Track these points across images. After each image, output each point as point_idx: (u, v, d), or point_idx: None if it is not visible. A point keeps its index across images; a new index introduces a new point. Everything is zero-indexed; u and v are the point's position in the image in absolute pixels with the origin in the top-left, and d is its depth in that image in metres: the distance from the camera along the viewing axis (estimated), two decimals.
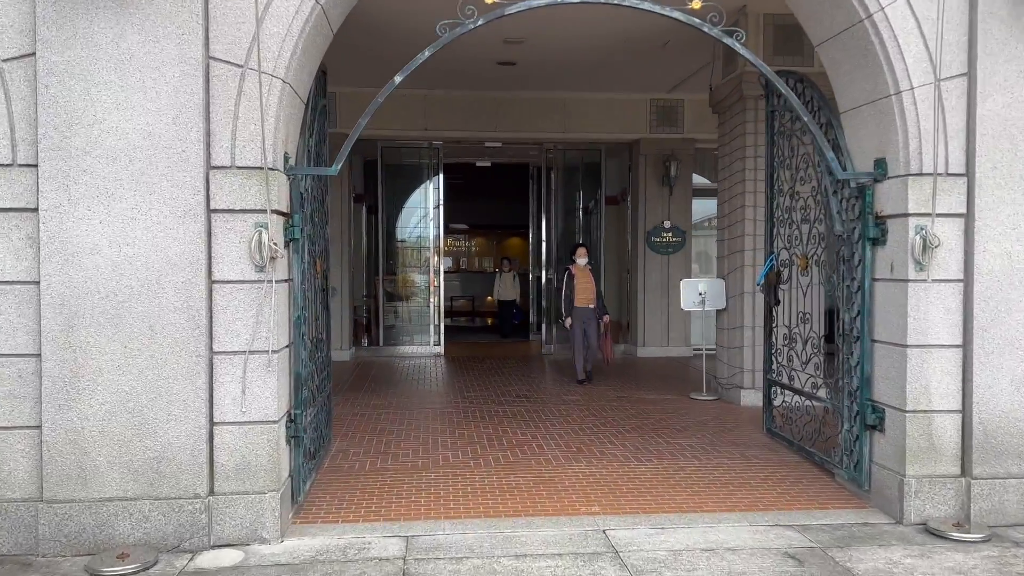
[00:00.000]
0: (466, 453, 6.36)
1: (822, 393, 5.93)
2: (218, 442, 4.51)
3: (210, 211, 4.49)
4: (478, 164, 14.77)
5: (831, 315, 6.51)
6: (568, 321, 9.85)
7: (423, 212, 13.16)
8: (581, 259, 9.96)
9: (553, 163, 12.94)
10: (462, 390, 9.35)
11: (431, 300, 12.80)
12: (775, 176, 6.75)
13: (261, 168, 4.49)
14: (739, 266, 8.41)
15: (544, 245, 13.25)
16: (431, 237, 12.92)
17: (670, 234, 12.32)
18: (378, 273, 13.25)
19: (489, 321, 20.68)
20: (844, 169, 5.25)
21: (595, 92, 12.01)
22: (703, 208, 13.10)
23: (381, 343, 12.77)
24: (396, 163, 13.14)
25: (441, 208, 12.89)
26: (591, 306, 9.83)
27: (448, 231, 24.39)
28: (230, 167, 4.50)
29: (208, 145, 4.48)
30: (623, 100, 12.17)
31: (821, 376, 6.10)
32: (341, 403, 8.42)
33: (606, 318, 10.03)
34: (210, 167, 4.49)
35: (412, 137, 12.27)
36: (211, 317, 4.50)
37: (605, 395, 8.98)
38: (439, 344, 12.71)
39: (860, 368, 5.22)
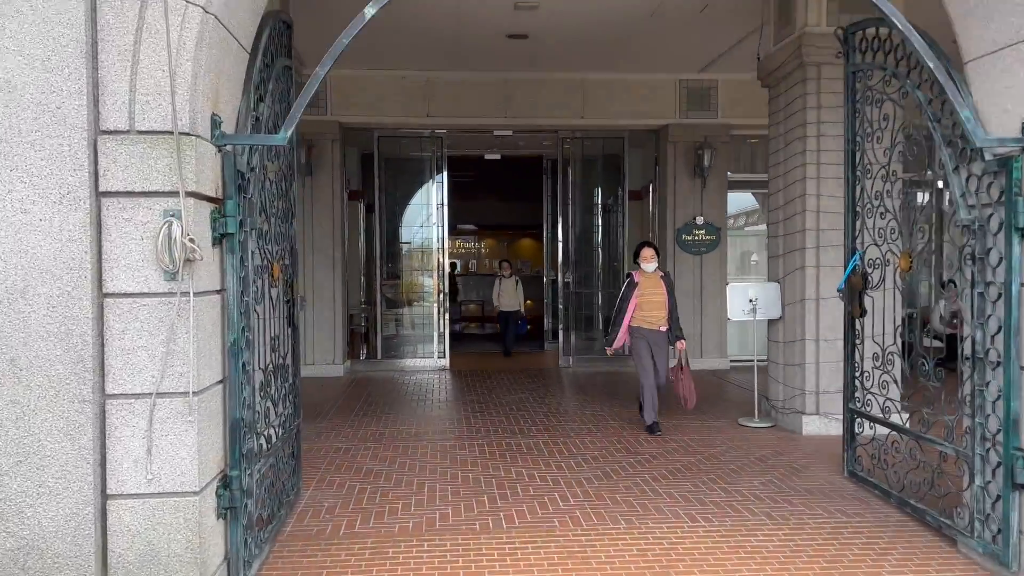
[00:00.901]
0: (471, 509, 5.00)
1: (933, 431, 4.54)
2: (113, 523, 3.18)
3: (99, 194, 3.16)
4: (487, 157, 13.42)
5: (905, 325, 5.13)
6: (617, 346, 7.32)
7: (426, 210, 11.81)
8: (649, 263, 7.27)
9: (570, 154, 11.56)
10: (469, 415, 8.00)
11: (435, 307, 11.45)
12: (858, 154, 5.36)
13: (172, 133, 3.15)
14: (798, 267, 7.03)
15: (560, 245, 11.85)
16: (435, 238, 11.57)
17: (703, 232, 10.94)
18: (377, 278, 11.91)
19: (498, 325, 19.40)
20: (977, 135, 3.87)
21: (617, 72, 10.65)
22: (739, 203, 11.71)
23: (380, 355, 11.43)
24: (395, 156, 11.81)
25: (445, 206, 11.55)
26: (661, 328, 7.20)
27: (455, 232, 23.27)
28: (128, 132, 3.17)
29: (95, 100, 3.15)
30: (649, 81, 10.80)
31: (931, 409, 4.70)
32: (324, 433, 7.09)
33: (681, 344, 7.28)
34: (99, 131, 3.16)
35: (412, 125, 10.94)
36: (102, 346, 3.16)
37: (636, 420, 7.61)
38: (444, 356, 11.36)
39: (1005, 405, 3.84)
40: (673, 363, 7.32)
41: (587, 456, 6.28)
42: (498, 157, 13.47)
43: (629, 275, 7.43)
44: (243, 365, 3.71)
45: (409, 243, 12.45)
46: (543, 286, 21.11)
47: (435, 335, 11.39)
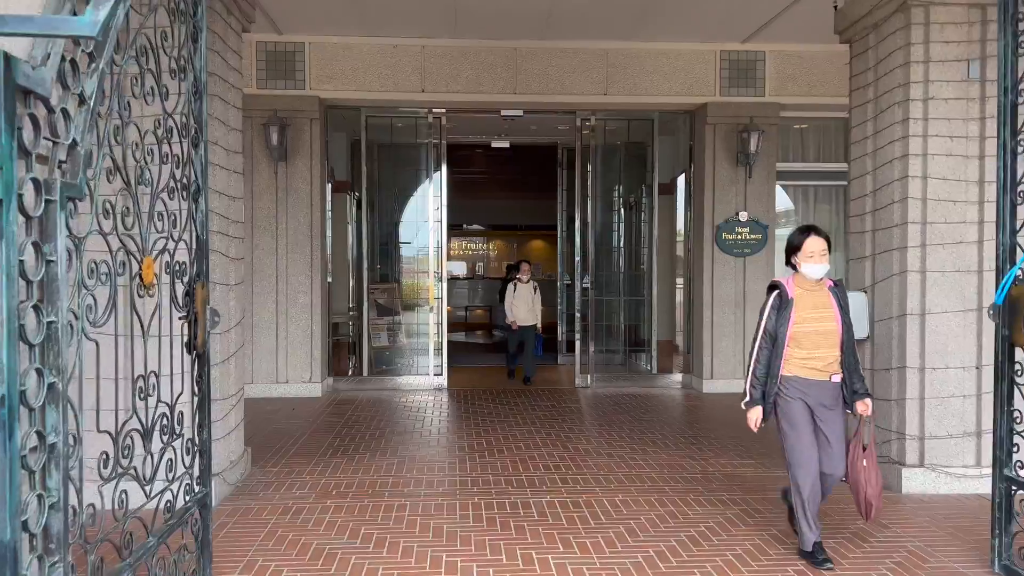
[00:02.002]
0: None
1: None
2: None
3: None
4: (494, 145, 11.80)
5: None
6: (754, 412, 4.27)
7: (422, 205, 10.19)
8: (814, 265, 4.21)
9: (590, 139, 9.90)
10: (465, 456, 6.37)
11: (431, 316, 9.82)
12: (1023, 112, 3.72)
13: None
14: (895, 273, 5.38)
15: (578, 245, 10.18)
16: (432, 236, 9.94)
17: (747, 230, 9.28)
18: (365, 281, 10.31)
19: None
20: None
21: (647, 41, 9.04)
22: (789, 196, 10.04)
23: (366, 371, 9.81)
24: (387, 141, 10.22)
25: (444, 199, 9.92)
26: (834, 377, 4.10)
27: (459, 232, 21.68)
28: None
29: None
30: (684, 52, 9.18)
31: None
32: (274, 482, 5.47)
33: (864, 406, 4.13)
34: None
35: (405, 103, 9.33)
36: None
37: (680, 466, 5.97)
38: (440, 373, 9.73)
39: None
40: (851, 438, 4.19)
41: (626, 516, 4.65)
42: (507, 145, 11.86)
43: (776, 286, 4.37)
44: (39, 435, 2.09)
45: (405, 243, 10.85)
46: (556, 291, 19.49)
47: (431, 348, 9.76)
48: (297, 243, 9.01)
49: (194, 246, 3.40)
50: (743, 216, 9.27)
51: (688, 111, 9.69)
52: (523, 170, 18.51)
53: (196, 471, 3.37)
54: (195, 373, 3.38)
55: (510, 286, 10.27)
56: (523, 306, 10.13)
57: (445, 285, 9.90)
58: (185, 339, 3.28)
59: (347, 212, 10.59)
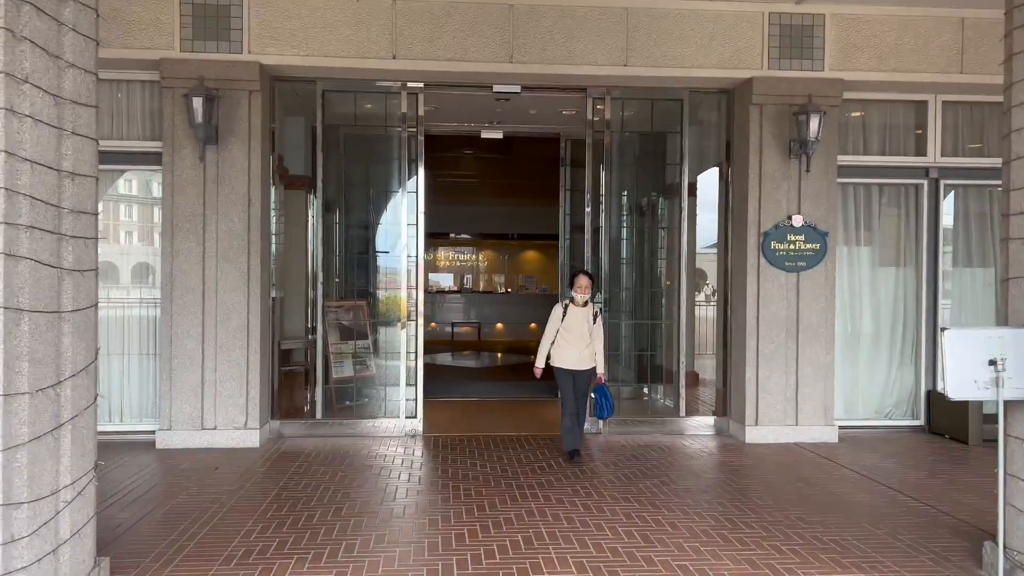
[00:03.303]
0: None
1: None
2: None
3: None
4: (484, 135, 9.84)
5: None
6: None
7: (394, 205, 8.20)
8: None
9: (604, 125, 7.95)
10: (437, 569, 4.38)
11: (403, 339, 7.81)
12: None
13: None
14: None
15: (587, 255, 8.19)
16: (405, 243, 7.95)
17: (801, 238, 7.37)
18: (320, 299, 8.31)
19: (499, 355, 15.81)
20: None
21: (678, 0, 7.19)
22: (852, 199, 8.11)
23: (319, 413, 7.78)
24: (348, 124, 8.25)
25: (420, 196, 7.96)
26: None
27: (447, 241, 19.73)
28: None
29: None
30: (725, 12, 7.30)
31: None
32: None
33: None
34: None
35: (373, 74, 7.38)
36: None
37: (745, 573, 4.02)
38: (414, 414, 7.72)
39: None
40: None
41: None
42: (499, 136, 9.90)
43: None
44: None
45: (383, 251, 8.86)
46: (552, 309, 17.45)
47: (402, 380, 7.75)
48: (230, 250, 7.02)
49: None
50: (797, 221, 7.35)
51: (726, 90, 7.78)
52: (518, 172, 16.69)
53: None
54: None
55: (557, 309, 6.83)
56: (575, 339, 6.64)
57: (421, 303, 7.91)
58: None
59: (303, 214, 8.61)
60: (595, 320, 6.70)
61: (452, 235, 19.14)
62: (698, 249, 8.77)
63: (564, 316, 6.70)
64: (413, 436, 7.58)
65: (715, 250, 8.46)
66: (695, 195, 8.29)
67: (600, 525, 4.91)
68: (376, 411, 8.07)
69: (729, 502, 5.44)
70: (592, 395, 6.93)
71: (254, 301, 7.06)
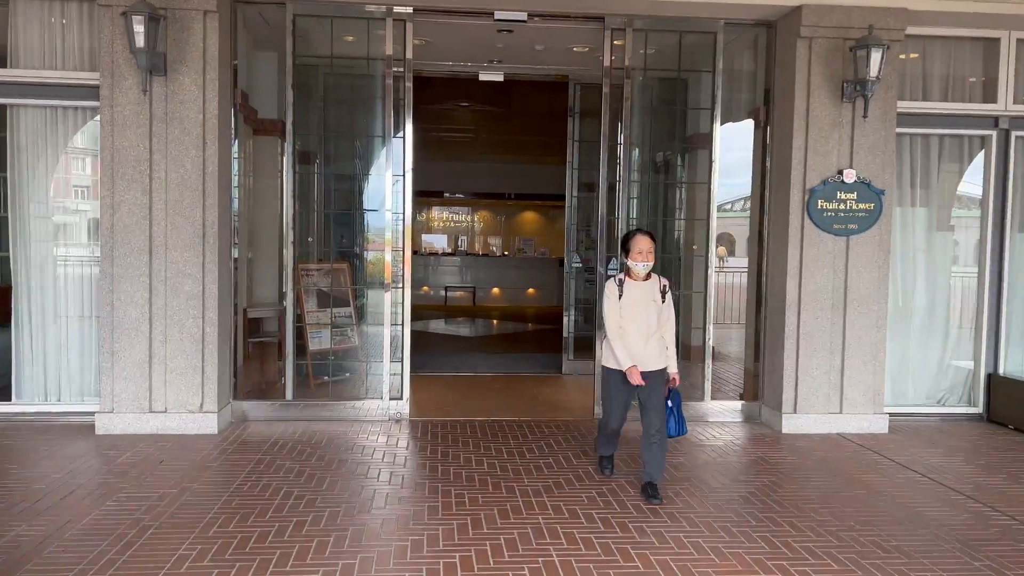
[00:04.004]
0: None
1: None
2: None
3: None
4: (483, 77, 8.67)
5: None
6: None
7: (378, 158, 7.06)
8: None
9: (623, 64, 6.78)
10: None
11: (387, 314, 6.73)
12: None
13: None
14: None
15: (602, 218, 7.08)
16: (389, 198, 6.83)
17: (853, 196, 6.30)
18: (290, 261, 7.25)
19: (495, 323, 14.79)
20: None
21: None
22: (908, 151, 7.01)
23: (290, 392, 6.73)
24: (326, 61, 7.08)
25: (407, 144, 6.84)
26: None
27: (441, 201, 18.60)
28: None
29: None
30: None
31: None
32: None
33: None
34: None
35: None
36: None
37: None
38: (400, 395, 6.69)
39: None
40: None
41: None
42: (500, 78, 8.73)
43: None
44: None
45: (355, 209, 7.78)
46: (556, 275, 16.61)
47: (386, 354, 6.68)
48: (182, 202, 5.92)
49: None
50: (849, 176, 6.27)
51: (767, 21, 6.65)
52: (517, 127, 15.56)
53: None
54: None
55: (611, 286, 4.84)
56: (639, 332, 4.76)
57: (408, 266, 6.84)
58: None
59: (277, 165, 7.49)
60: (663, 298, 4.78)
61: (446, 194, 18.05)
62: (728, 209, 7.74)
63: (620, 296, 4.77)
64: (398, 421, 6.57)
65: (746, 212, 7.43)
66: (699, 148, 7.18)
67: (626, 552, 3.91)
68: (357, 390, 7.05)
69: (780, 517, 4.44)
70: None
71: (211, 262, 5.99)
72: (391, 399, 6.64)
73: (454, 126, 16.16)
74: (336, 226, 8.18)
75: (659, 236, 7.97)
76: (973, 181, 7.04)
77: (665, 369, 4.78)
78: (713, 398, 6.98)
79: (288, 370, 6.66)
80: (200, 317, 5.98)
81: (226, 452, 5.54)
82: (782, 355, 6.43)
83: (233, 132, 6.33)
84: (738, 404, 6.98)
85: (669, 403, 4.79)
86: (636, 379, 4.61)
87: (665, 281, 4.85)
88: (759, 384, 6.87)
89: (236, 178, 6.42)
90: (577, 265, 9.15)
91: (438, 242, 18.89)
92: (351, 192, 8.19)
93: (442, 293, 17.64)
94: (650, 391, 4.70)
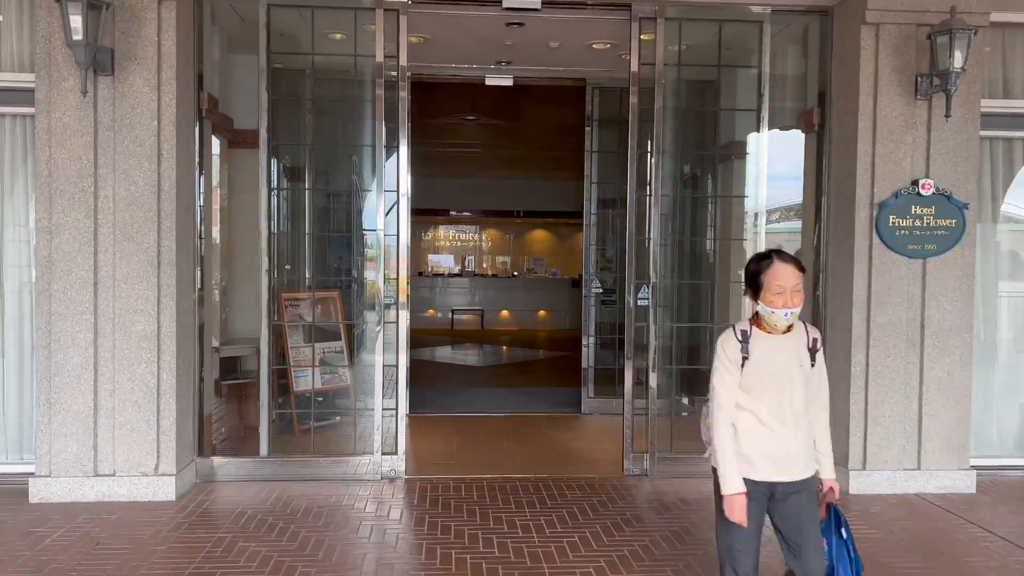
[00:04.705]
0: None
1: None
2: None
3: None
4: (489, 81, 7.73)
5: None
6: None
7: (371, 173, 6.07)
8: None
9: (652, 59, 5.78)
10: None
11: (378, 351, 5.70)
12: None
13: None
14: None
15: (632, 236, 6.06)
16: (380, 216, 5.84)
17: (931, 211, 5.29)
18: (279, 288, 6.30)
19: (504, 349, 13.78)
20: None
21: None
22: (989, 158, 6.00)
23: (267, 448, 5.69)
24: (309, 61, 6.13)
25: (402, 156, 5.91)
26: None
27: (448, 219, 17.68)
28: None
29: None
30: None
31: None
32: None
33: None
34: None
35: None
36: None
37: None
38: (394, 449, 5.66)
39: None
40: None
41: None
42: (508, 83, 7.79)
43: None
44: None
45: (354, 230, 6.82)
46: (568, 296, 15.67)
47: (377, 406, 5.66)
48: (132, 224, 4.98)
49: None
50: (926, 188, 5.28)
51: (820, 8, 5.68)
52: (526, 141, 14.71)
53: None
54: None
55: (728, 342, 2.95)
56: (778, 417, 2.91)
57: (404, 294, 5.85)
58: None
59: (257, 180, 6.52)
60: (813, 358, 2.96)
61: (452, 212, 17.17)
62: (773, 225, 6.77)
63: (745, 360, 2.93)
64: (392, 480, 5.56)
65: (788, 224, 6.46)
66: (733, 157, 6.18)
67: None
68: (345, 441, 6.04)
69: None
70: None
71: (168, 295, 5.02)
72: (383, 454, 5.63)
73: (460, 140, 15.41)
74: (326, 250, 7.27)
75: (696, 257, 7.02)
76: None
77: (815, 475, 3.00)
78: None
79: (263, 420, 5.65)
80: (155, 361, 5.01)
81: (181, 527, 4.55)
82: (847, 400, 5.40)
83: (197, 142, 5.38)
84: None
85: (841, 533, 3.04)
86: (739, 516, 2.85)
87: (816, 334, 3.00)
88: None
89: (201, 196, 5.45)
90: (598, 290, 8.15)
91: (444, 262, 18.02)
92: (342, 212, 7.27)
93: (448, 316, 16.73)
94: (798, 517, 2.91)
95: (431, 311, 16.71)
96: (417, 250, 17.51)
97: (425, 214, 16.48)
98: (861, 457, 5.38)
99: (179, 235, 5.07)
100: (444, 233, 18.20)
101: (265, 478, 5.50)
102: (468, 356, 12.71)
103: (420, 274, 16.96)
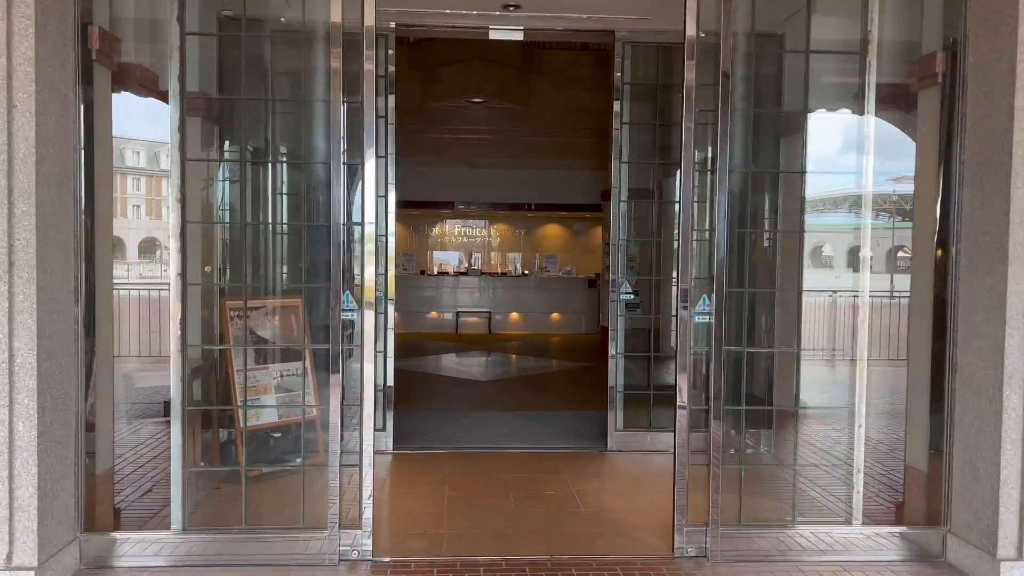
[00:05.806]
0: None
1: None
2: None
3: None
4: (493, 35, 6.15)
5: None
6: None
7: (342, 145, 4.47)
8: None
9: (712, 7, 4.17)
10: None
11: (333, 381, 4.13)
12: None
13: None
14: None
15: (681, 231, 4.41)
16: (361, 204, 4.28)
17: None
18: (225, 295, 4.79)
19: (514, 357, 12.22)
20: None
21: None
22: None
23: (181, 520, 4.12)
24: (264, 14, 4.59)
25: (389, 129, 4.32)
26: None
27: (448, 211, 16.17)
28: None
29: None
30: None
31: None
32: None
33: None
34: None
35: None
36: None
37: None
38: (358, 522, 4.09)
39: None
40: None
41: None
42: (519, 36, 6.20)
43: None
44: None
45: (339, 223, 5.22)
46: (585, 297, 14.33)
47: (334, 465, 4.06)
48: (48, 223, 3.44)
49: None
50: None
51: None
52: (538, 126, 13.26)
53: None
54: None
55: None
56: None
57: (390, 302, 4.29)
58: None
59: (208, 155, 5.00)
60: None
61: (457, 205, 15.71)
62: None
63: None
64: (352, 566, 4.00)
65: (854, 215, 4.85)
66: (890, 106, 4.54)
67: None
68: (295, 505, 4.46)
69: None
70: None
71: (23, 311, 3.48)
72: (343, 527, 4.06)
73: (465, 126, 14.01)
74: (290, 247, 5.76)
75: (765, 263, 5.44)
76: None
77: None
78: (866, 516, 4.36)
79: (174, 479, 4.08)
80: (5, 406, 3.47)
81: None
82: (997, 457, 3.81)
83: (76, 89, 3.83)
84: (895, 528, 4.34)
85: None
86: None
87: None
88: (942, 498, 4.24)
89: (83, 169, 3.90)
90: (627, 296, 6.56)
91: (449, 260, 16.59)
92: (313, 200, 5.72)
93: (451, 318, 15.26)
94: None
95: (434, 313, 15.32)
96: (421, 247, 16.16)
97: (428, 207, 15.25)
98: (1017, 540, 3.79)
99: (42, 222, 3.52)
100: (448, 228, 16.78)
101: (178, 563, 3.96)
102: (473, 367, 11.16)
103: (423, 273, 15.65)
